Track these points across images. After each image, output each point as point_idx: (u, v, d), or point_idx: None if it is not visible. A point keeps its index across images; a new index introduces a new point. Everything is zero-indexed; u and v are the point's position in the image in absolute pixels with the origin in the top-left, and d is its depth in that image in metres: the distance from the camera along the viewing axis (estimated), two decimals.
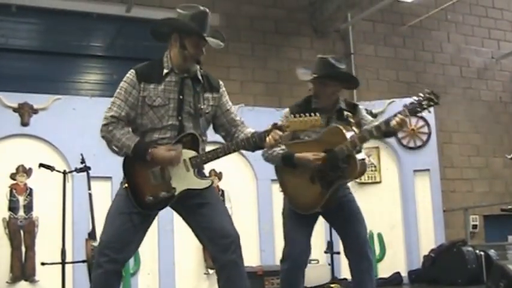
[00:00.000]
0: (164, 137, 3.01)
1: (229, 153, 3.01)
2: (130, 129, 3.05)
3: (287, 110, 3.63)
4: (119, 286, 3.00)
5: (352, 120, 3.54)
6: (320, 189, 3.46)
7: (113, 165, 6.41)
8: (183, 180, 2.97)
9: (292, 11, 9.06)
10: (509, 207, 7.96)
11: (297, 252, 3.52)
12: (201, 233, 3.03)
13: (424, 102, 3.28)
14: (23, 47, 7.78)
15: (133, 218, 2.95)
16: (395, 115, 3.29)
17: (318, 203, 3.48)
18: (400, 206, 7.47)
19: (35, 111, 6.36)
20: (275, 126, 2.97)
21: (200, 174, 3.05)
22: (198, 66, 3.10)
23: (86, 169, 5.54)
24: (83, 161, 5.58)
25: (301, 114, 2.92)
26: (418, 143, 7.57)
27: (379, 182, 7.53)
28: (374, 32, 9.60)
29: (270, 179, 7.00)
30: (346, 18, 9.22)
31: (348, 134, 3.40)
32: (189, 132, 3.02)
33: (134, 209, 2.96)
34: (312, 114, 2.92)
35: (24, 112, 6.31)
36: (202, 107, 3.06)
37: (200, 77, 3.10)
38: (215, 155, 2.99)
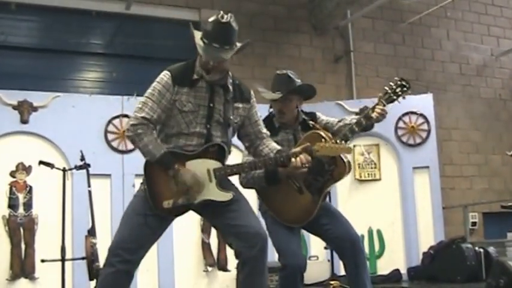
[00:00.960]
0: (191, 144, 2.98)
1: (256, 170, 3.04)
2: (156, 135, 3.01)
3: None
4: (129, 287, 2.98)
5: (317, 126, 3.59)
6: (311, 197, 3.46)
7: (112, 163, 6.48)
8: (205, 191, 2.94)
9: (292, 8, 9.06)
10: (509, 204, 7.98)
11: (294, 262, 3.51)
12: (228, 230, 3.01)
13: (398, 90, 3.38)
14: (23, 45, 7.79)
15: (149, 221, 2.93)
16: (373, 107, 3.38)
17: (312, 211, 3.47)
18: (400, 203, 7.47)
19: (35, 109, 6.36)
20: (305, 149, 2.96)
21: (223, 185, 3.00)
22: (230, 74, 3.08)
23: (86, 166, 5.53)
24: (82, 159, 5.57)
25: (332, 141, 2.99)
26: (418, 140, 7.56)
27: (379, 179, 7.52)
28: (373, 29, 9.60)
29: None
30: (345, 15, 9.22)
31: (328, 137, 3.42)
32: (217, 142, 2.98)
33: (151, 211, 2.93)
34: (339, 141, 3.01)
35: (24, 110, 6.31)
36: (231, 117, 3.04)
37: (231, 86, 3.06)
38: (240, 169, 3.00)
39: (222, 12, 2.95)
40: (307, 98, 3.72)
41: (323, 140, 3.28)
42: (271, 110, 3.70)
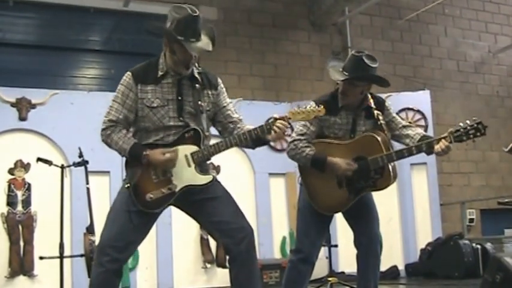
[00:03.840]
0: (169, 134, 3.00)
1: (231, 147, 2.99)
2: (126, 131, 3.04)
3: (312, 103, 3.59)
4: (119, 284, 3.00)
5: (382, 121, 3.46)
6: (347, 194, 3.44)
7: (110, 160, 6.42)
8: (184, 177, 2.95)
9: (290, 5, 9.06)
10: (506, 200, 7.99)
11: (308, 248, 3.51)
12: (212, 227, 3.03)
13: (470, 132, 3.23)
14: (21, 42, 7.78)
15: (133, 217, 2.93)
16: (439, 139, 3.27)
17: (343, 207, 3.47)
18: (397, 199, 7.49)
19: (33, 106, 6.37)
20: (276, 118, 2.93)
21: (202, 169, 3.02)
22: (196, 64, 3.08)
23: (84, 163, 5.53)
24: (80, 155, 5.57)
25: (304, 105, 2.92)
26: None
27: None
28: (371, 26, 9.61)
29: (267, 173, 7.02)
30: (343, 12, 9.23)
31: (385, 147, 3.35)
32: (191, 127, 3.00)
33: (135, 208, 2.94)
34: (314, 105, 2.91)
35: (22, 107, 6.32)
36: (202, 104, 3.05)
37: (198, 75, 3.07)
38: (217, 149, 2.97)
39: (185, 4, 2.95)
40: (379, 86, 3.56)
41: (378, 147, 3.28)
42: (338, 86, 3.54)
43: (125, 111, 3.00)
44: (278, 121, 2.90)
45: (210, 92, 3.11)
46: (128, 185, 2.98)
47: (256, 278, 3.01)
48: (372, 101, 3.53)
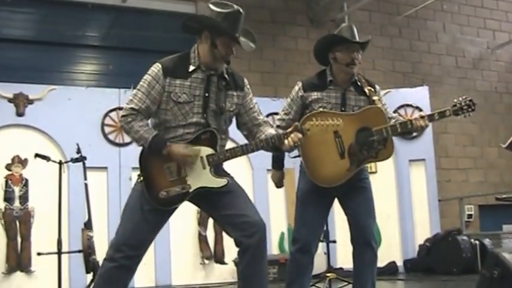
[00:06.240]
0: (189, 132, 2.98)
1: (248, 153, 3.02)
2: (148, 122, 3.02)
3: (299, 83, 3.64)
4: (129, 283, 2.99)
5: (373, 97, 3.48)
6: (348, 165, 3.40)
7: (109, 156, 6.47)
8: (199, 178, 2.94)
9: (288, 1, 9.05)
10: (504, 196, 8.00)
11: (305, 237, 3.49)
12: (224, 220, 3.01)
13: (464, 107, 3.51)
14: (18, 37, 7.77)
15: (148, 216, 2.93)
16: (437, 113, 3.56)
17: (343, 178, 3.41)
18: (396, 195, 7.49)
19: (30, 102, 6.36)
20: (296, 128, 2.94)
21: (217, 171, 3.01)
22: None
23: (82, 159, 5.51)
24: (78, 151, 5.55)
25: (323, 118, 2.94)
26: (414, 133, 7.57)
27: (375, 172, 7.51)
28: (370, 22, 9.60)
29: (265, 169, 7.00)
30: (342, 8, 9.22)
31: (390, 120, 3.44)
32: (208, 129, 2.98)
33: (149, 206, 2.93)
34: (334, 119, 2.94)
35: (20, 102, 6.30)
36: (224, 104, 3.03)
37: (226, 75, 3.06)
38: (233, 154, 2.98)
39: (227, 1, 3.00)
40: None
41: (383, 119, 3.36)
42: (339, 62, 3.55)
43: (148, 102, 2.96)
44: (296, 133, 2.92)
45: (235, 93, 3.10)
46: (141, 178, 2.96)
47: (264, 272, 3.00)
48: (361, 78, 3.59)
